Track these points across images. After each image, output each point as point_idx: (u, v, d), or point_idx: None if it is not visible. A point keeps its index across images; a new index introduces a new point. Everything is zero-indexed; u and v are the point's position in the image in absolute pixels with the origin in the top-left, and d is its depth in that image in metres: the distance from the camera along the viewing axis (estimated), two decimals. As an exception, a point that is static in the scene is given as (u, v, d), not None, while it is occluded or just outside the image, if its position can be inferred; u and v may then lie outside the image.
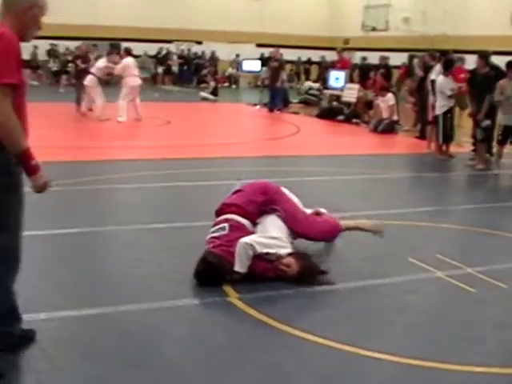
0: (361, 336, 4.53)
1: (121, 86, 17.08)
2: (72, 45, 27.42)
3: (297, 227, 5.95)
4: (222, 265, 5.28)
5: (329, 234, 6.26)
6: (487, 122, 11.35)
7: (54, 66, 30.08)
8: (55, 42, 29.69)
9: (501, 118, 11.32)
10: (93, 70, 17.18)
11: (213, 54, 34.36)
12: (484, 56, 11.80)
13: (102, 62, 17.31)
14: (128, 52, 17.87)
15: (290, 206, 6.04)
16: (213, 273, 5.25)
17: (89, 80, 16.95)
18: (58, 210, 7.71)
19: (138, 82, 17.01)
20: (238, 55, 33.07)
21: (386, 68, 19.60)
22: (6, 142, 3.56)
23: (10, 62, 3.52)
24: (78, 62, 19.29)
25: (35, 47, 29.43)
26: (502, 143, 11.41)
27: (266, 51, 29.10)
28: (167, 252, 5.67)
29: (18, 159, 3.62)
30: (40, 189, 3.77)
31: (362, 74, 24.15)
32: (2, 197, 3.72)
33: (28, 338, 4.15)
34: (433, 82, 13.12)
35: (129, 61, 17.06)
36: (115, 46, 26.39)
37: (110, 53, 18.23)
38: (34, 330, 4.23)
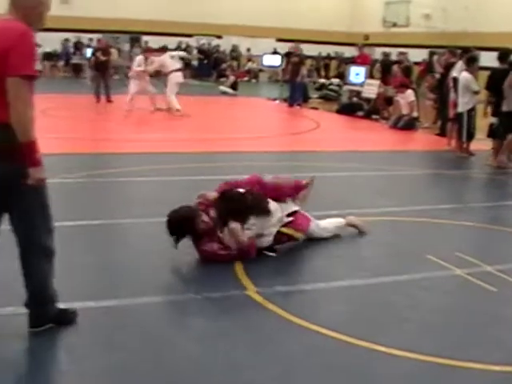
0: (377, 332, 4.53)
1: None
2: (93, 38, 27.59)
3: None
4: (190, 213, 5.69)
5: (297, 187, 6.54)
6: None
7: (75, 58, 30.25)
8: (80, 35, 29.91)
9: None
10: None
11: (235, 48, 34.33)
12: (505, 54, 11.72)
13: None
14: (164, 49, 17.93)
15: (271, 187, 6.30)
16: (180, 220, 5.67)
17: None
18: (73, 202, 7.76)
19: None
20: (248, 49, 33.25)
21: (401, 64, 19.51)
22: (18, 130, 3.73)
23: (29, 56, 3.78)
24: (99, 54, 19.37)
25: (66, 40, 29.74)
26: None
27: (285, 46, 29.05)
28: (183, 245, 5.69)
29: (24, 148, 3.77)
30: (36, 182, 3.87)
31: (383, 69, 24.05)
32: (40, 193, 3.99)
33: (66, 319, 4.35)
34: (454, 79, 13.03)
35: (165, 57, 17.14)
36: (136, 40, 26.52)
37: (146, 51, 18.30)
38: (72, 312, 4.41)
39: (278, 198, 6.19)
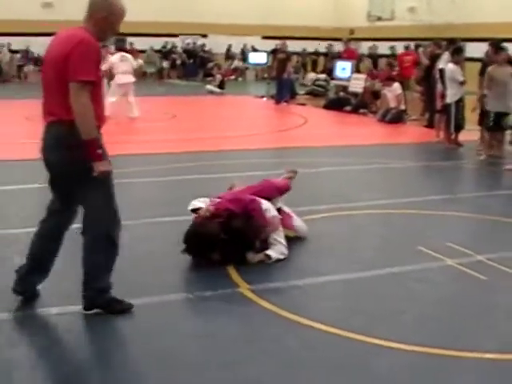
0: (372, 325, 4.54)
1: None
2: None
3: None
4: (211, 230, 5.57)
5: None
6: None
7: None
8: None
9: (491, 105, 11.21)
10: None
11: (230, 47, 34.32)
12: (495, 44, 11.72)
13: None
14: (120, 48, 17.30)
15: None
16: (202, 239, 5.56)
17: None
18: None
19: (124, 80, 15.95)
20: (229, 47, 33.37)
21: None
22: (80, 129, 4.12)
23: (87, 63, 4.13)
24: None
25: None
26: (493, 130, 11.33)
27: (272, 43, 29.06)
28: (179, 245, 5.68)
29: (86, 144, 4.15)
30: (100, 174, 4.24)
31: (373, 63, 24.36)
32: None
33: (116, 309, 4.60)
34: (441, 70, 13.07)
35: (114, 58, 16.16)
36: (121, 41, 26.39)
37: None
38: (127, 305, 4.66)
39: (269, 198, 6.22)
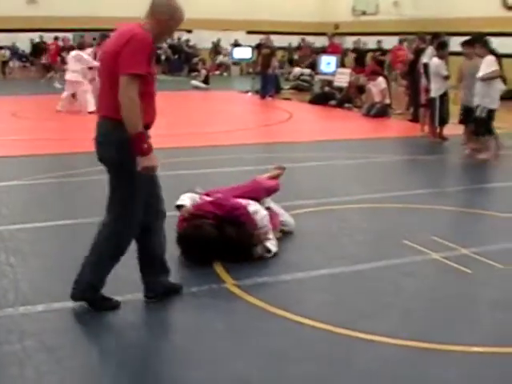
0: (358, 319, 4.56)
1: None
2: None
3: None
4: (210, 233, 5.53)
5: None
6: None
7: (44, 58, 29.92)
8: (46, 34, 29.57)
9: (461, 99, 11.27)
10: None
11: (218, 41, 34.20)
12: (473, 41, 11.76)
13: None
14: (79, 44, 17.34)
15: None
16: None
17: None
18: (53, 202, 7.72)
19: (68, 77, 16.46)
20: (218, 42, 33.35)
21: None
22: (125, 122, 4.14)
23: (138, 57, 4.14)
24: (64, 54, 19.13)
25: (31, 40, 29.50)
26: (461, 123, 11.38)
27: (256, 38, 29.06)
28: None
29: (132, 138, 4.17)
30: (145, 170, 4.28)
31: (357, 57, 24.33)
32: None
33: (174, 289, 4.87)
34: (425, 65, 13.10)
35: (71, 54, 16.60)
36: (107, 37, 26.27)
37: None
38: (180, 285, 4.93)
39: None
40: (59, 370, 3.84)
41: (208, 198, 6.01)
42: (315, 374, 3.86)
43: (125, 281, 5.07)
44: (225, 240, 5.54)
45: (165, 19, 4.37)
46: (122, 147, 4.24)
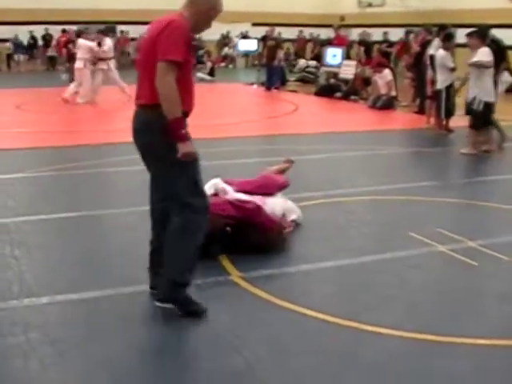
0: (363, 311, 4.54)
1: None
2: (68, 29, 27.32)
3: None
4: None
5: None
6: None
7: (50, 51, 29.91)
8: (50, 26, 29.54)
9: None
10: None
11: (228, 33, 34.13)
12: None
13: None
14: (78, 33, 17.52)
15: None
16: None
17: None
18: (57, 195, 7.71)
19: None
20: (227, 34, 33.25)
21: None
22: (164, 108, 4.13)
23: (175, 44, 4.12)
24: (70, 46, 19.14)
25: (31, 32, 29.38)
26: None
27: (262, 30, 28.94)
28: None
29: (170, 124, 4.16)
30: (184, 156, 4.22)
31: (366, 49, 24.39)
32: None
33: (191, 310, 4.45)
34: (431, 57, 13.04)
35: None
36: (110, 29, 26.15)
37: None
38: (203, 309, 4.49)
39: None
40: (63, 362, 3.84)
41: (230, 191, 6.04)
42: (320, 366, 3.84)
43: (125, 273, 5.06)
44: (248, 245, 5.57)
45: (205, 9, 4.34)
46: (164, 134, 4.22)
